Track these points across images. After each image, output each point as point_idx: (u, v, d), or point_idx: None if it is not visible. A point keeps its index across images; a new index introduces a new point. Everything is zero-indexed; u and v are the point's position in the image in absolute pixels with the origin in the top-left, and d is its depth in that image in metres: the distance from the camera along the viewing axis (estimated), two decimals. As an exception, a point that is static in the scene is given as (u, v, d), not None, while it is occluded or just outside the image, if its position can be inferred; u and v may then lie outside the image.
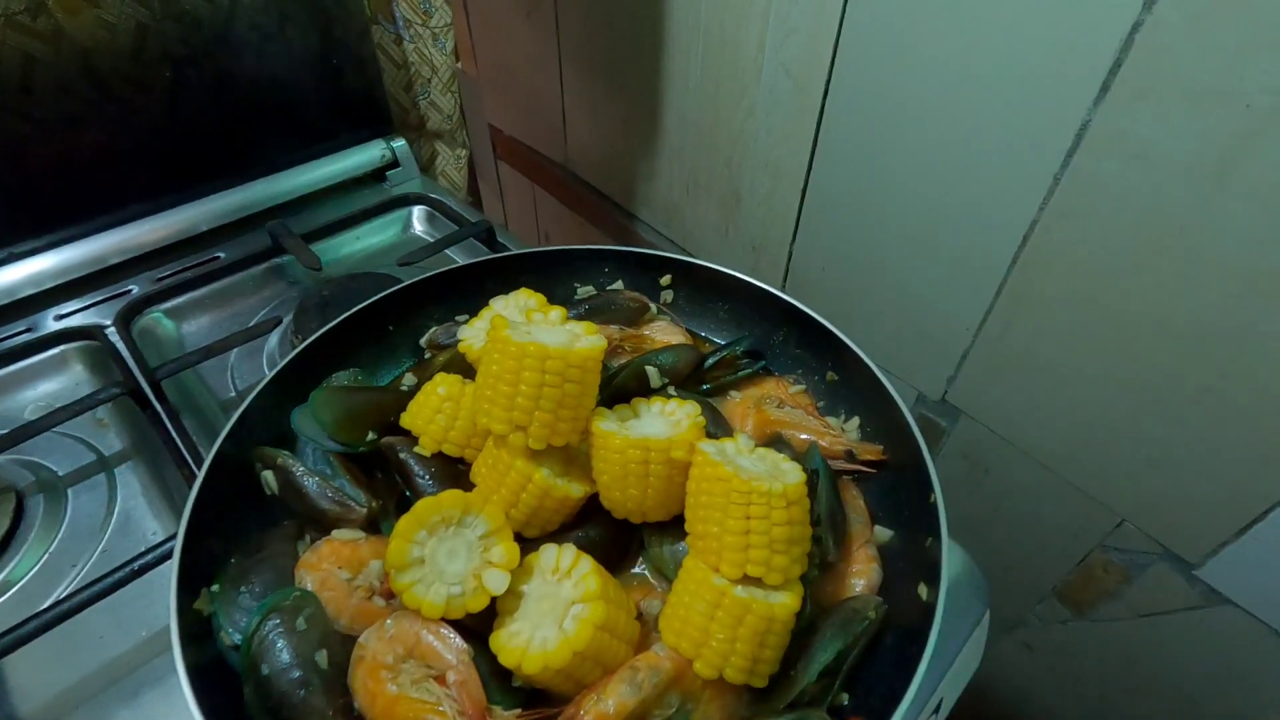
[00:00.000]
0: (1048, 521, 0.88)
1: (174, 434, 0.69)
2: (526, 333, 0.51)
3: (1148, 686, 0.88)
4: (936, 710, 0.60)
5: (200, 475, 0.50)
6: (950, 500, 1.03)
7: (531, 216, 1.65)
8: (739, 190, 1.03)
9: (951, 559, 0.62)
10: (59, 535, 0.66)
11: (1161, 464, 0.70)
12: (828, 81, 0.80)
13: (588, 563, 0.46)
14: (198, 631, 0.45)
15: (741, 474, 0.45)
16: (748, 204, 1.03)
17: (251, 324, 0.82)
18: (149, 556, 0.56)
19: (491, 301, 0.64)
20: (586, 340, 0.52)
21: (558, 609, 0.45)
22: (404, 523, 0.45)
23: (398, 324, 0.69)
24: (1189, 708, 0.84)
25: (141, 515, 0.68)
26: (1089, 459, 0.77)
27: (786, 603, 0.44)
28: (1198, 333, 0.61)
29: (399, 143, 1.09)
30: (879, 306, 0.91)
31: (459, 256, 0.95)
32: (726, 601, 0.43)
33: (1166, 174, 0.57)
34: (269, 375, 0.58)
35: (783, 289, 1.04)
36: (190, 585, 0.46)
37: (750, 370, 0.67)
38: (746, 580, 0.45)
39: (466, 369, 0.60)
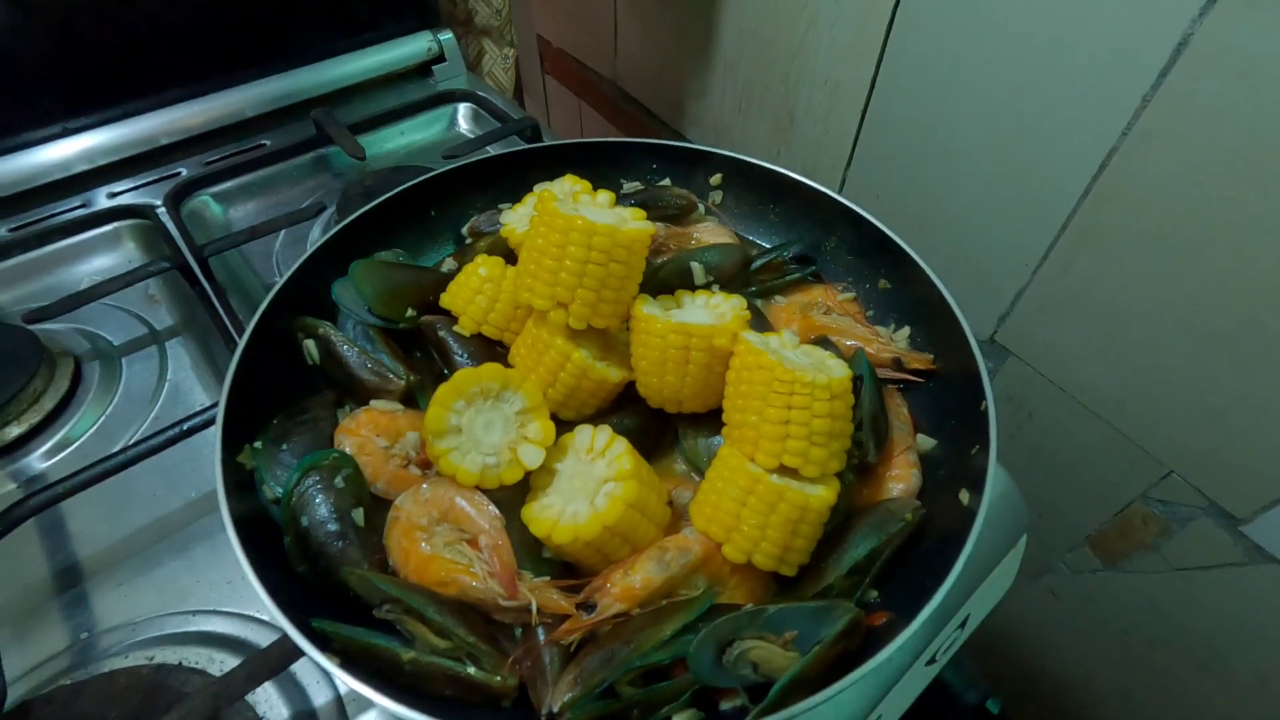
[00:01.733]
0: (1089, 470, 0.85)
1: (220, 311, 0.70)
2: (574, 209, 0.50)
3: (1173, 639, 0.87)
4: (962, 625, 0.60)
5: (243, 339, 0.50)
6: None
7: (577, 133, 1.61)
8: (794, 110, 0.98)
9: (993, 478, 0.62)
10: (114, 400, 0.69)
11: (1219, 414, 0.67)
12: None
13: (622, 444, 0.46)
14: (241, 484, 0.46)
15: (785, 364, 0.44)
16: (802, 124, 0.98)
17: (297, 209, 0.82)
18: (196, 420, 0.57)
19: (536, 187, 0.62)
20: (635, 223, 0.50)
21: (590, 486, 0.45)
22: (443, 391, 0.45)
23: (440, 209, 0.68)
24: (1215, 663, 0.83)
25: (190, 386, 0.70)
26: (1141, 407, 0.74)
27: (822, 495, 0.43)
28: (1276, 275, 0.57)
29: (446, 35, 1.06)
30: (933, 239, 0.86)
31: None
32: (760, 488, 0.43)
33: (1268, 93, 0.52)
34: (312, 248, 0.57)
35: None
36: (234, 440, 0.47)
37: (799, 275, 0.65)
38: (783, 471, 0.44)
39: (508, 254, 0.59)
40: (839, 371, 0.45)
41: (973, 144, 0.75)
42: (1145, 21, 0.56)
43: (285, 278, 0.55)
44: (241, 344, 0.50)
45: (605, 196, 0.53)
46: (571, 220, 0.47)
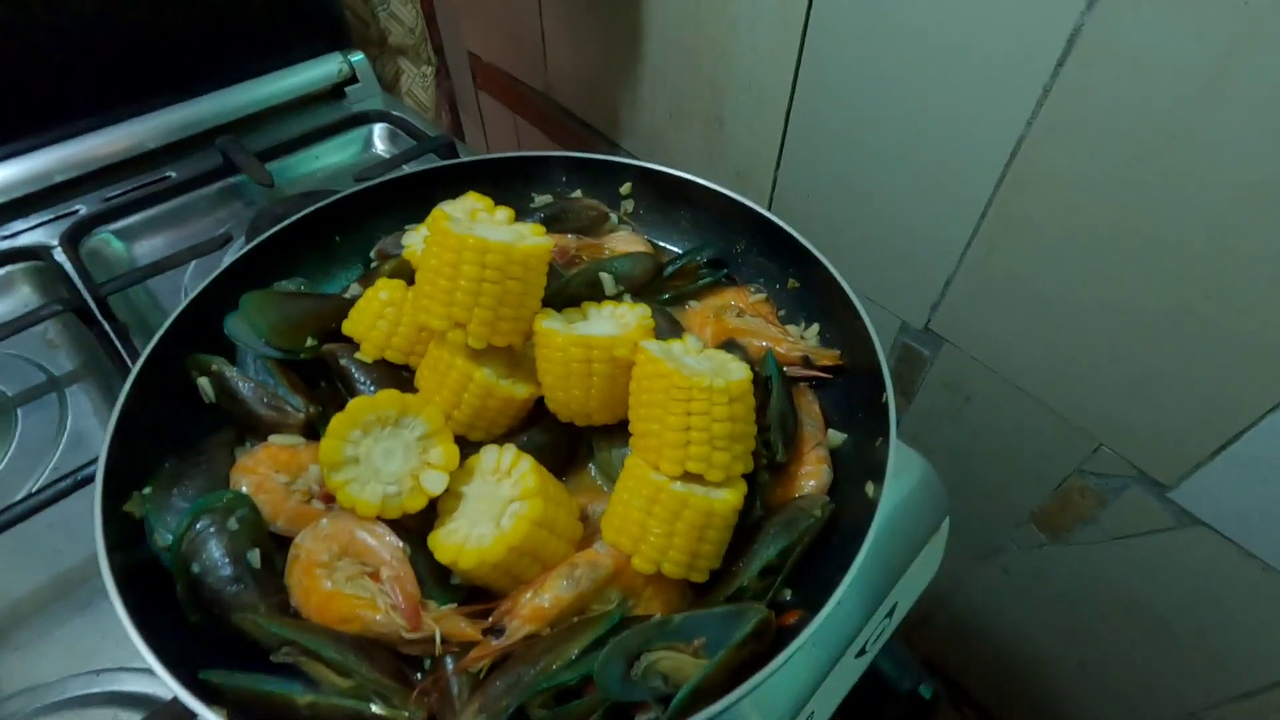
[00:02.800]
0: (1027, 448, 0.88)
1: (122, 352, 0.67)
2: (468, 227, 0.49)
3: (1119, 607, 0.90)
4: (890, 614, 0.61)
5: (128, 382, 0.48)
6: (932, 428, 1.03)
7: (513, 147, 1.61)
8: (722, 114, 1.00)
9: (910, 467, 0.63)
10: (8, 454, 0.65)
11: (1140, 388, 0.70)
12: None
13: (527, 462, 0.45)
14: (129, 534, 0.44)
15: (683, 370, 0.44)
16: (731, 128, 1.00)
17: (202, 241, 0.79)
18: (92, 468, 0.55)
19: (439, 206, 0.61)
20: (532, 239, 0.50)
21: (496, 507, 0.44)
22: (337, 421, 0.44)
23: (345, 234, 0.67)
24: (1159, 627, 0.86)
25: (93, 433, 0.67)
26: (1069, 384, 0.77)
27: (727, 498, 0.43)
28: (1183, 251, 0.60)
29: (357, 57, 1.04)
30: (864, 233, 0.89)
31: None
32: (663, 496, 0.42)
33: (1160, 82, 0.55)
34: (204, 283, 0.56)
35: None
36: (121, 488, 0.45)
37: (711, 279, 0.65)
38: (687, 477, 0.44)
39: (413, 276, 0.58)
40: (739, 374, 0.46)
41: (892, 140, 0.78)
42: (1040, 12, 0.59)
43: (173, 316, 0.53)
44: (125, 388, 0.48)
45: (504, 213, 0.53)
46: (463, 239, 0.46)
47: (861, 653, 0.58)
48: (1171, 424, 0.69)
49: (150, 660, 0.36)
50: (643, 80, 1.09)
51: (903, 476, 0.62)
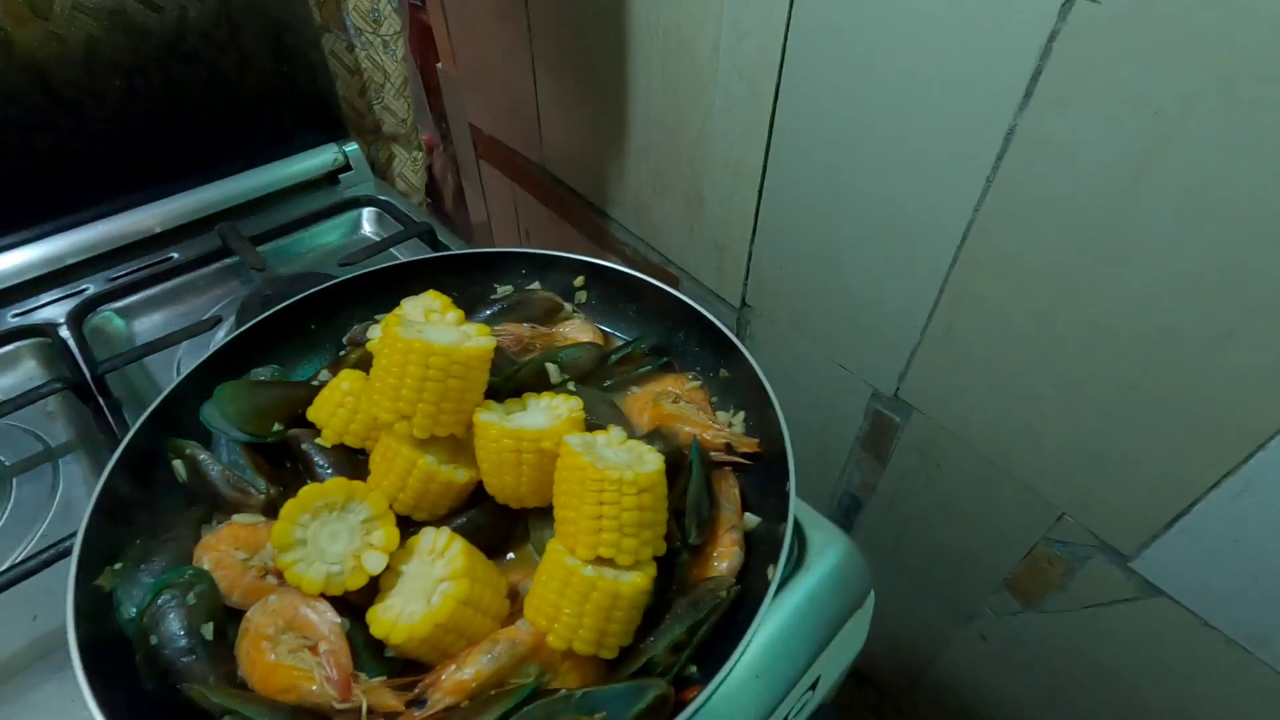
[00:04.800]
0: (995, 515, 0.91)
1: (113, 426, 0.73)
2: (418, 331, 0.55)
3: (1094, 677, 0.91)
4: (813, 687, 0.64)
5: (111, 463, 0.54)
6: (906, 493, 1.05)
7: (513, 215, 1.69)
8: (701, 190, 1.06)
9: (833, 544, 0.67)
10: (3, 518, 0.71)
11: (1095, 459, 0.73)
12: (778, 84, 0.83)
13: (459, 544, 0.50)
14: (99, 606, 0.49)
15: (598, 463, 0.49)
16: (710, 203, 1.06)
17: (195, 322, 0.86)
18: (71, 541, 0.60)
19: (402, 303, 0.68)
20: (475, 340, 0.56)
21: (428, 586, 0.49)
22: (288, 507, 0.49)
23: (321, 322, 0.73)
24: (1132, 698, 0.87)
25: (82, 503, 0.72)
26: (1030, 454, 0.80)
27: (634, 581, 0.48)
28: (1120, 331, 0.63)
29: (351, 146, 1.13)
30: (834, 304, 0.94)
31: (402, 256, 0.99)
32: (575, 580, 0.47)
33: (1088, 177, 0.60)
34: (185, 372, 0.62)
35: (744, 287, 1.08)
36: (96, 562, 0.50)
37: (652, 366, 0.71)
38: (599, 561, 0.48)
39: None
40: (651, 465, 0.51)
41: (855, 218, 0.83)
42: (979, 112, 0.64)
43: (153, 405, 0.59)
44: (106, 472, 0.54)
45: (454, 315, 0.59)
46: (409, 343, 0.52)
47: (783, 725, 0.61)
48: (1128, 495, 0.72)
49: (104, 729, 0.41)
50: (628, 156, 1.17)
51: (826, 553, 0.66)
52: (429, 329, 0.56)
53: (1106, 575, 0.80)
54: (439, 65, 1.67)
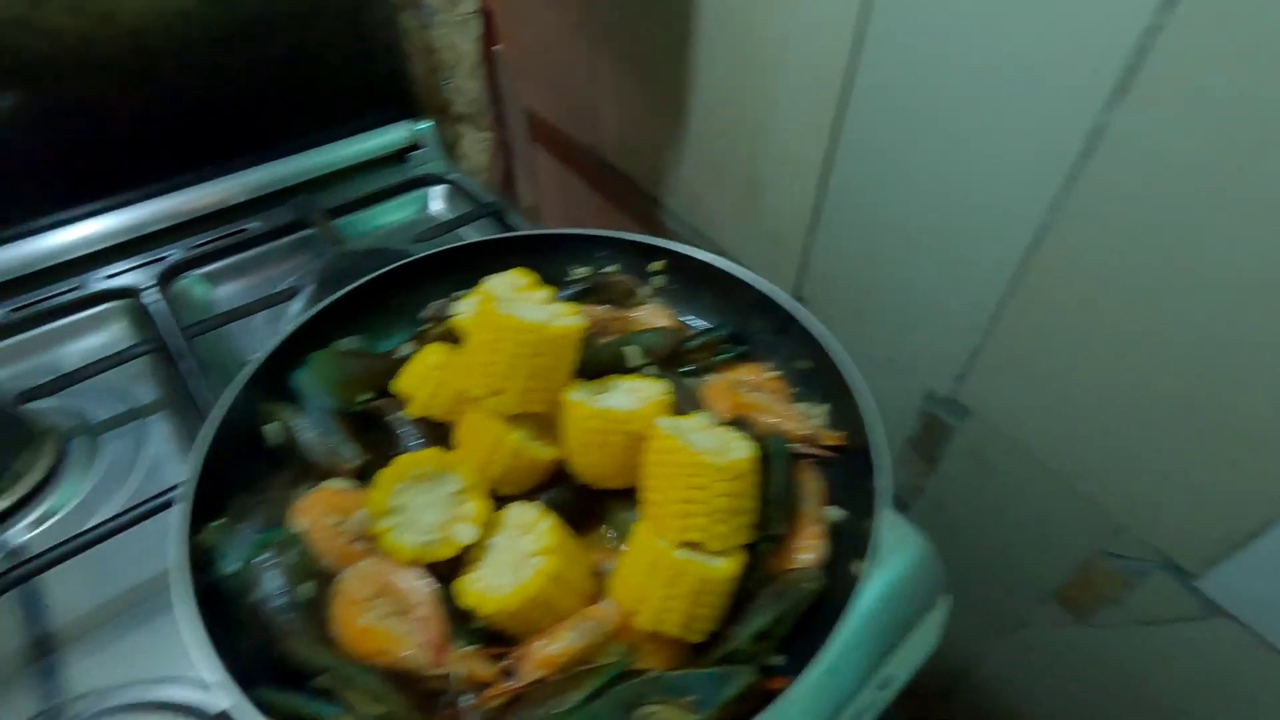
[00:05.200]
0: (1051, 523, 0.88)
1: (198, 390, 0.75)
2: (510, 308, 0.55)
3: (1145, 696, 0.88)
4: (884, 686, 0.63)
5: (208, 425, 0.56)
6: (958, 496, 1.04)
7: (562, 198, 1.69)
8: (758, 182, 1.05)
9: (907, 544, 0.65)
10: (95, 475, 0.74)
11: (1165, 473, 0.70)
12: (846, 75, 0.82)
13: (549, 520, 0.51)
14: (200, 561, 0.50)
15: (691, 447, 0.49)
16: (767, 195, 1.05)
17: (274, 292, 0.88)
18: (169, 496, 0.62)
19: (486, 280, 0.68)
20: (564, 320, 0.56)
21: (517, 560, 0.49)
22: (384, 474, 0.50)
23: (401, 296, 0.74)
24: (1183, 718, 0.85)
25: (166, 461, 0.75)
26: (1093, 463, 0.78)
27: (724, 567, 0.48)
28: (1202, 342, 0.61)
29: (423, 125, 1.14)
30: (892, 301, 0.92)
31: (471, 235, 1.00)
32: (664, 562, 0.47)
33: (1178, 179, 0.57)
34: (278, 339, 0.63)
35: (799, 280, 1.07)
36: (196, 518, 0.52)
37: (729, 355, 0.70)
38: (688, 545, 0.48)
39: (458, 341, 0.65)
40: (742, 452, 0.50)
41: (921, 216, 0.81)
42: (1065, 109, 0.62)
43: (252, 368, 0.60)
44: (207, 430, 0.55)
45: (543, 294, 0.59)
46: (505, 320, 0.53)
47: (853, 721, 0.60)
48: (1198, 511, 0.69)
49: (219, 675, 0.42)
50: (684, 144, 1.16)
51: (900, 553, 0.64)
52: (521, 306, 0.56)
53: (1167, 592, 0.77)
54: (495, 47, 1.68)
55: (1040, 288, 0.72)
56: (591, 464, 0.54)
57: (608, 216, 1.48)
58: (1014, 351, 0.79)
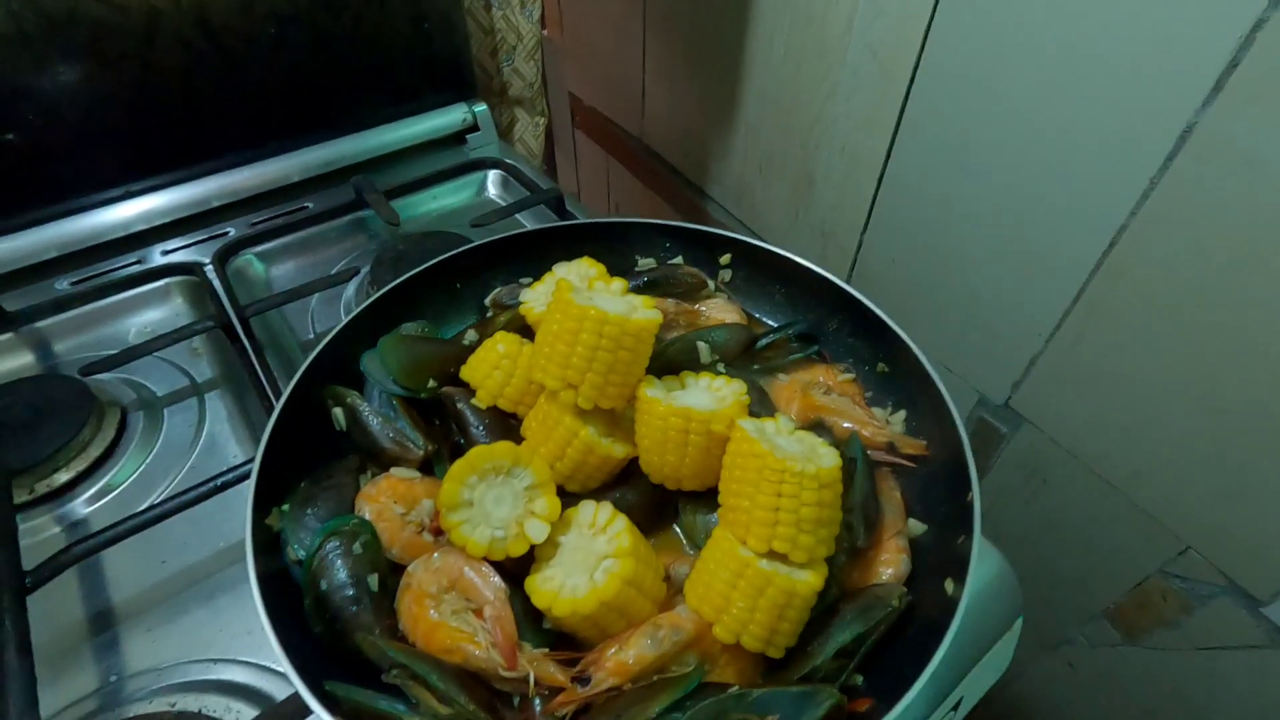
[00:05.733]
0: (1105, 540, 0.85)
1: (258, 367, 0.75)
2: (588, 298, 0.53)
3: None
4: (955, 708, 0.61)
5: (278, 406, 0.55)
6: (1003, 508, 1.01)
7: (604, 187, 1.67)
8: (813, 173, 1.02)
9: (986, 562, 0.63)
10: (155, 449, 0.74)
11: (1237, 493, 0.67)
12: (915, 67, 0.78)
13: (622, 521, 0.49)
14: (267, 544, 0.50)
15: (777, 452, 0.47)
16: (821, 188, 1.02)
17: (332, 272, 0.87)
18: (230, 475, 0.61)
19: (555, 267, 0.67)
20: (644, 312, 0.54)
21: (590, 561, 0.47)
22: (458, 466, 0.48)
23: (465, 282, 0.73)
24: None
25: (226, 438, 0.75)
26: (1157, 480, 0.75)
27: (809, 580, 0.45)
28: None
29: (480, 107, 1.13)
30: (948, 304, 0.89)
31: (528, 221, 0.98)
32: (749, 572, 0.45)
33: (1273, 183, 0.54)
34: (344, 320, 0.62)
35: (849, 278, 1.04)
36: (263, 502, 0.51)
37: (801, 354, 0.68)
38: (772, 555, 0.46)
39: (525, 329, 0.63)
40: (829, 461, 0.48)
41: (987, 215, 0.78)
42: (1154, 107, 0.59)
43: (318, 349, 0.59)
44: (276, 412, 0.54)
45: (618, 284, 0.57)
46: (585, 310, 0.51)
47: (924, 743, 0.58)
48: (1270, 535, 0.66)
49: (283, 662, 0.41)
50: (736, 134, 1.13)
51: (979, 571, 0.61)
52: (598, 297, 0.54)
53: (1231, 617, 0.74)
54: (544, 32, 1.65)
55: (1112, 292, 0.69)
56: (668, 464, 0.52)
57: (650, 205, 1.46)
58: (1077, 359, 0.76)
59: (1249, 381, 0.62)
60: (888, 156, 0.88)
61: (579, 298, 0.52)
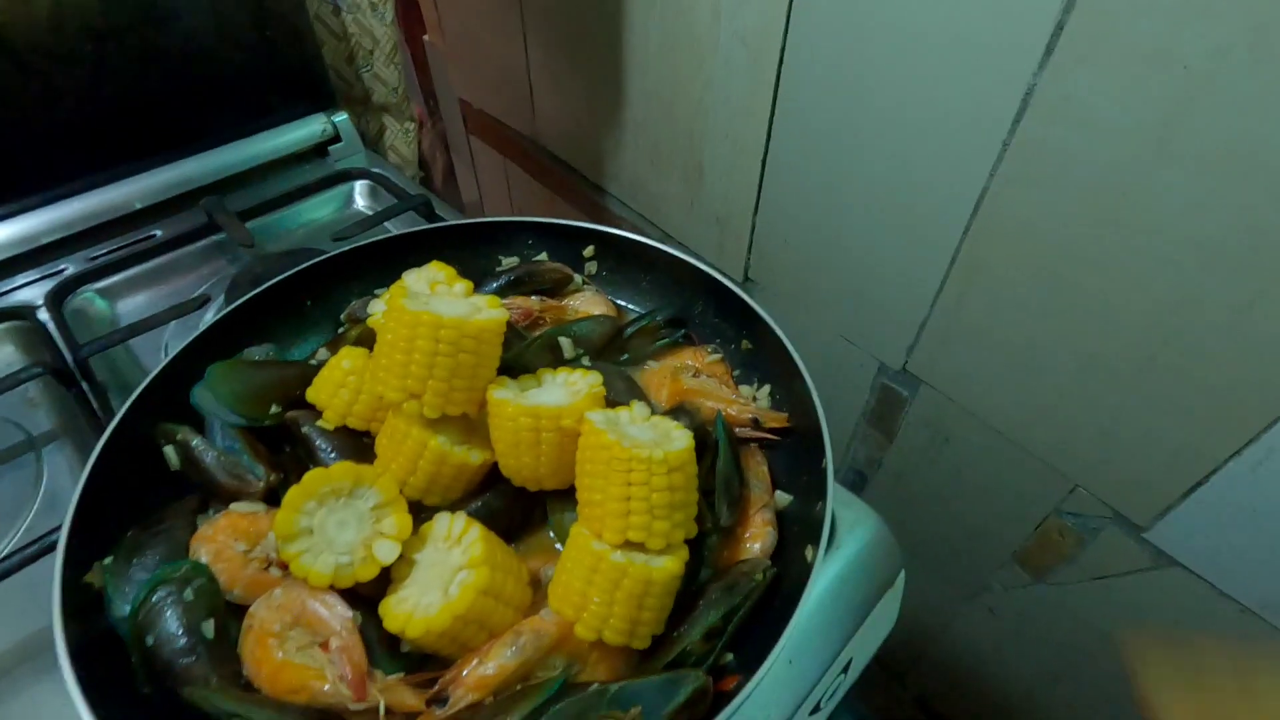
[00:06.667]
0: (1006, 488, 0.89)
1: (99, 413, 0.69)
2: (425, 303, 0.51)
3: (1103, 649, 0.89)
4: (845, 670, 0.62)
5: (96, 449, 0.50)
6: (914, 469, 1.04)
7: (505, 191, 1.64)
8: (701, 163, 1.03)
9: (863, 523, 0.64)
10: (-16, 513, 0.67)
11: (1111, 430, 0.71)
12: (782, 50, 0.79)
13: (476, 530, 0.47)
14: (87, 605, 0.45)
15: (625, 441, 0.46)
16: (710, 177, 1.03)
17: (182, 302, 0.82)
18: (56, 536, 0.56)
19: (404, 275, 0.64)
20: (487, 312, 0.52)
21: (445, 575, 0.46)
22: (292, 494, 0.46)
23: (316, 299, 0.69)
24: None
25: (68, 494, 0.67)
26: (1043, 426, 0.78)
27: (666, 566, 0.45)
28: (1141, 301, 0.61)
29: (340, 117, 1.08)
30: (841, 277, 0.91)
31: (398, 230, 0.94)
32: (603, 566, 0.44)
33: (1109, 139, 0.57)
34: (174, 352, 0.58)
35: (747, 262, 1.05)
36: (83, 558, 0.47)
37: (669, 339, 0.67)
38: (629, 545, 0.45)
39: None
40: (680, 444, 0.48)
41: (863, 189, 0.80)
42: (996, 72, 0.61)
43: (141, 387, 0.55)
44: (94, 455, 0.50)
45: (462, 286, 0.55)
46: (417, 315, 0.48)
47: (815, 709, 0.58)
48: (1143, 466, 0.70)
49: (99, 739, 0.37)
50: (625, 129, 1.13)
51: (856, 531, 0.63)
52: (436, 301, 0.52)
53: (1119, 546, 0.79)
54: (425, 38, 1.61)
55: (983, 253, 0.72)
56: (525, 465, 0.51)
57: (553, 207, 1.44)
58: (959, 319, 0.79)
59: (1113, 326, 0.65)
60: (768, 140, 0.89)
61: (412, 304, 0.50)
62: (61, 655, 0.40)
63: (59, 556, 0.45)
